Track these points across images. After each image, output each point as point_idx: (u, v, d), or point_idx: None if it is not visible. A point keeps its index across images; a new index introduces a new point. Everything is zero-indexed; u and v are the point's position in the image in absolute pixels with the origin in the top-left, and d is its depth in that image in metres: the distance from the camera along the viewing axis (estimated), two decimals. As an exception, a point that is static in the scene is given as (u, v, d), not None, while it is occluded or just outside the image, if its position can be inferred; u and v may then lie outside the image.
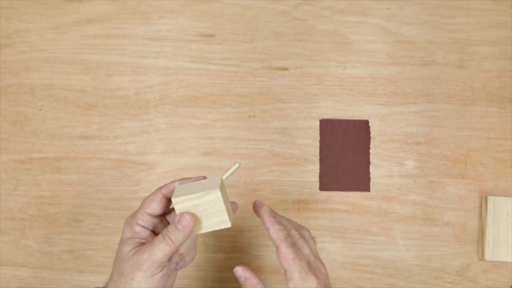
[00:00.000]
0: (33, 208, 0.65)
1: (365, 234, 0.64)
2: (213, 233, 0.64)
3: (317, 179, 0.64)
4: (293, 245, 0.46)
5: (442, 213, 0.64)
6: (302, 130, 0.65)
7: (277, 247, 0.46)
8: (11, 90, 0.67)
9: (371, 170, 0.64)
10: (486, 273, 0.63)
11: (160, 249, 0.43)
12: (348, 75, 0.65)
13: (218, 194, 0.44)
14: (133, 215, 0.46)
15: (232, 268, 0.65)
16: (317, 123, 0.65)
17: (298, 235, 0.48)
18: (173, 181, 0.47)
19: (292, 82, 0.66)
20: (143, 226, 0.46)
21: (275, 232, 0.47)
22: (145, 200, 0.46)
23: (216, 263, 0.64)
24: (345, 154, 0.64)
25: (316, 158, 0.65)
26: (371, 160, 0.64)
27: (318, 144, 0.65)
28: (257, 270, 0.64)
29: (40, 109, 0.66)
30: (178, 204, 0.45)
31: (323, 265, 0.48)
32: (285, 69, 0.66)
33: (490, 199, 0.62)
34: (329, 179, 0.64)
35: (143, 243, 0.45)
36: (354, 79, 0.65)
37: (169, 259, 0.46)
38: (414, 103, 0.65)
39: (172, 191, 0.47)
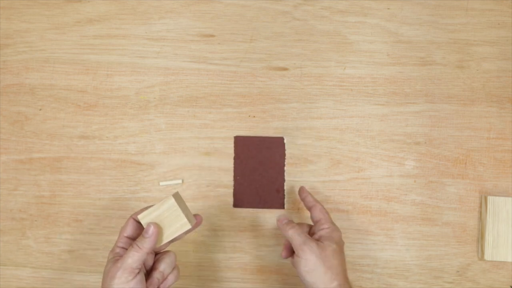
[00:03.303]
0: (33, 208, 0.66)
1: (365, 234, 0.64)
2: (213, 233, 0.65)
3: (317, 178, 0.65)
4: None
5: (442, 213, 0.64)
6: (302, 130, 0.65)
7: (314, 206, 0.58)
8: (12, 90, 0.67)
9: (371, 170, 0.64)
10: (485, 273, 0.63)
11: (130, 256, 0.49)
12: (348, 75, 0.66)
13: (172, 200, 0.51)
14: (114, 244, 0.53)
15: (232, 268, 0.65)
16: (317, 123, 0.65)
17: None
18: (143, 208, 0.53)
19: (292, 82, 0.66)
20: (122, 247, 0.52)
21: (312, 198, 0.59)
22: (121, 228, 0.53)
23: (216, 263, 0.64)
24: (259, 171, 0.64)
25: (316, 158, 0.65)
26: (371, 160, 0.65)
27: (318, 144, 0.65)
28: (257, 270, 0.64)
29: (40, 109, 0.66)
30: (144, 219, 0.52)
31: None
32: (285, 69, 0.66)
33: (490, 199, 0.63)
34: (243, 196, 0.65)
35: None
36: (354, 79, 0.65)
37: (150, 275, 0.52)
38: (414, 103, 0.65)
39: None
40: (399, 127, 0.65)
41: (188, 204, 0.65)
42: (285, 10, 0.66)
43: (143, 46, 0.66)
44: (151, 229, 0.50)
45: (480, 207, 0.64)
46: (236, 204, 0.65)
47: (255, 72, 0.66)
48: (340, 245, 0.55)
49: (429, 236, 0.64)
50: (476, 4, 0.66)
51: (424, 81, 0.65)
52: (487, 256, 0.62)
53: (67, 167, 0.66)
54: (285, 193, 0.64)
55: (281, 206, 0.64)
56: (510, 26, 0.65)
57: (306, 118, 0.65)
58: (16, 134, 0.66)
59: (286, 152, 0.65)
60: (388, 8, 0.66)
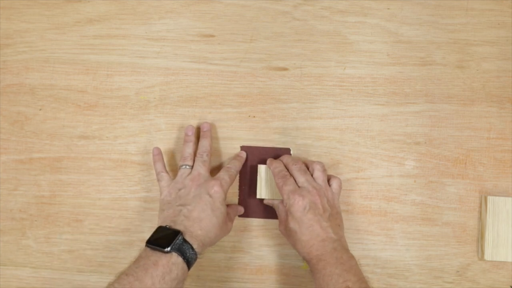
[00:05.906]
0: (34, 208, 0.66)
1: (365, 234, 0.64)
2: (213, 233, 0.64)
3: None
4: (283, 177, 0.58)
5: (442, 213, 0.64)
6: (302, 130, 0.65)
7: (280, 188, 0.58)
8: (12, 90, 0.67)
9: (371, 170, 0.64)
10: (485, 273, 0.63)
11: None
12: (348, 75, 0.66)
13: (263, 166, 0.62)
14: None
15: (232, 268, 0.65)
16: (317, 123, 0.65)
17: (297, 168, 0.59)
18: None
19: (292, 82, 0.66)
20: None
21: (272, 169, 0.60)
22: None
23: (216, 263, 0.64)
24: None
25: (316, 158, 0.65)
26: (371, 160, 0.65)
27: (318, 144, 0.65)
28: (257, 270, 0.64)
29: (40, 109, 0.66)
30: (261, 195, 0.63)
31: (325, 188, 0.58)
32: (285, 69, 0.66)
33: (490, 199, 0.63)
34: (248, 206, 0.64)
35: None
36: (354, 79, 0.65)
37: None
38: (414, 103, 0.65)
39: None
40: (399, 127, 0.65)
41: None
42: (285, 10, 0.66)
43: (143, 46, 0.66)
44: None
45: (480, 207, 0.64)
46: (241, 215, 0.64)
47: (255, 72, 0.66)
48: (298, 214, 0.55)
49: (429, 236, 0.64)
50: (476, 4, 0.66)
51: (424, 81, 0.65)
52: (487, 256, 0.62)
53: (67, 167, 0.66)
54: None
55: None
56: (510, 26, 0.65)
57: (306, 118, 0.65)
58: (16, 134, 0.66)
59: (286, 152, 0.65)
60: (388, 8, 0.66)
